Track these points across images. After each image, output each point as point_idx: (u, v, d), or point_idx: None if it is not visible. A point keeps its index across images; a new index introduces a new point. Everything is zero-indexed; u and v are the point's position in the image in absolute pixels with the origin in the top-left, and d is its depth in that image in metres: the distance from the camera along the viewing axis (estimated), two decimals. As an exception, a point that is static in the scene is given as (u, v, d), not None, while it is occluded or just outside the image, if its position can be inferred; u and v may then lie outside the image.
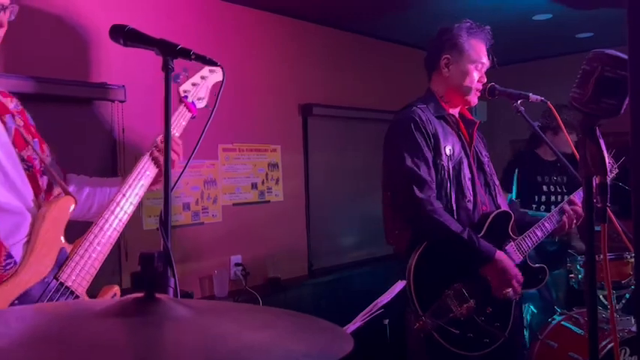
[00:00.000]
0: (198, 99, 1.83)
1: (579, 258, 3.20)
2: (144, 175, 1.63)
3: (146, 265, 0.71)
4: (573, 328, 3.00)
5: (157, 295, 0.70)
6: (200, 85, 1.85)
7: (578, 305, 3.22)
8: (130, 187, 1.59)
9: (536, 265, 2.44)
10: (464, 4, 3.87)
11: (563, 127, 2.41)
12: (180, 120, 1.76)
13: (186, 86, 1.80)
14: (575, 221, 2.44)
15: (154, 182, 1.69)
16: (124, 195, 1.57)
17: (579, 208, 2.43)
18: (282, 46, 4.03)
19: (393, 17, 4.20)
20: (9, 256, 1.39)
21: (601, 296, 3.01)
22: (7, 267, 1.38)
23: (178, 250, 3.28)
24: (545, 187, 3.70)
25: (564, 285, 3.59)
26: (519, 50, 5.15)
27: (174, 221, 3.32)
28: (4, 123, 1.53)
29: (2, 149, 1.48)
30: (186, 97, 1.77)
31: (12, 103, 1.61)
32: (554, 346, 2.97)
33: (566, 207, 2.45)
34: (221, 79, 1.89)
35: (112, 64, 3.05)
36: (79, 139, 2.94)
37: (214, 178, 3.58)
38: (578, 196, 2.49)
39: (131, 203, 1.58)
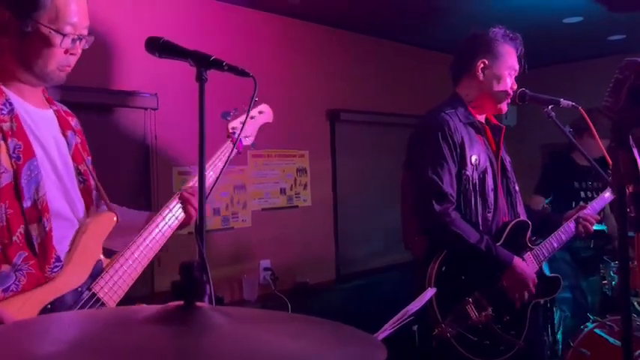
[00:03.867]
0: (245, 137, 1.93)
1: (612, 264, 3.15)
2: (177, 208, 1.69)
3: (186, 274, 0.73)
4: (606, 336, 2.95)
5: (197, 304, 0.72)
6: (249, 123, 1.93)
7: (612, 312, 3.16)
8: (166, 211, 1.65)
9: (552, 274, 2.46)
10: (493, 9, 3.85)
11: (594, 131, 2.37)
12: (225, 154, 1.81)
13: (234, 124, 1.87)
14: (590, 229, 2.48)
15: (181, 226, 1.74)
16: (163, 217, 1.63)
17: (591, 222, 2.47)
18: (309, 53, 4.06)
19: (421, 22, 4.20)
20: (58, 259, 1.45)
21: (635, 303, 2.95)
22: (55, 269, 1.44)
23: (209, 255, 3.32)
24: (582, 193, 3.65)
25: (599, 291, 3.53)
26: (550, 53, 5.10)
27: (205, 224, 3.36)
28: (66, 137, 1.61)
29: (62, 160, 1.55)
30: (234, 133, 1.85)
31: (73, 122, 1.71)
32: (586, 354, 2.91)
33: (581, 215, 2.48)
34: (270, 120, 2.02)
35: (145, 72, 3.13)
36: (112, 146, 3.02)
37: (244, 184, 3.63)
38: (591, 209, 2.52)
39: (169, 227, 1.66)
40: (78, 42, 1.54)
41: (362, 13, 3.93)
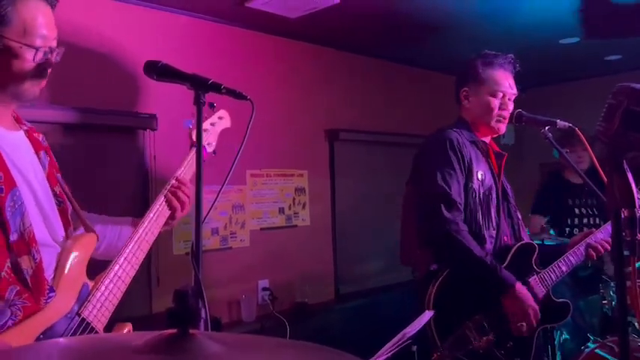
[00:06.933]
0: (208, 144, 1.89)
1: (612, 284, 3.14)
2: (159, 214, 1.69)
3: (180, 302, 0.73)
4: (607, 356, 2.92)
5: (191, 331, 0.72)
6: (209, 131, 1.91)
7: (612, 332, 3.13)
8: (145, 225, 1.64)
9: (560, 300, 2.40)
10: (492, 30, 3.88)
11: (588, 147, 2.37)
12: (191, 164, 1.81)
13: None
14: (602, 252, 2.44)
15: (166, 223, 1.75)
16: (139, 234, 1.61)
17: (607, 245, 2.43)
18: (308, 73, 4.09)
19: (420, 43, 4.24)
20: (51, 289, 1.42)
21: (635, 324, 2.93)
22: (49, 300, 1.41)
23: (206, 275, 3.32)
24: (577, 210, 3.67)
25: (598, 311, 3.51)
26: (547, 74, 5.14)
27: (202, 246, 3.35)
28: (40, 159, 1.55)
29: (40, 186, 1.51)
30: None
31: (40, 138, 1.64)
32: (588, 376, 2.88)
33: (592, 242, 2.44)
34: (229, 125, 1.97)
35: (144, 93, 3.15)
36: (111, 166, 3.03)
37: (242, 203, 3.63)
38: (604, 232, 2.48)
39: (147, 242, 1.63)
40: (49, 55, 1.48)
41: (362, 33, 3.97)
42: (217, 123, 1.94)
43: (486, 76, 2.40)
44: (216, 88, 1.44)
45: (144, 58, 1.55)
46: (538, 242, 3.16)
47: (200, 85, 1.44)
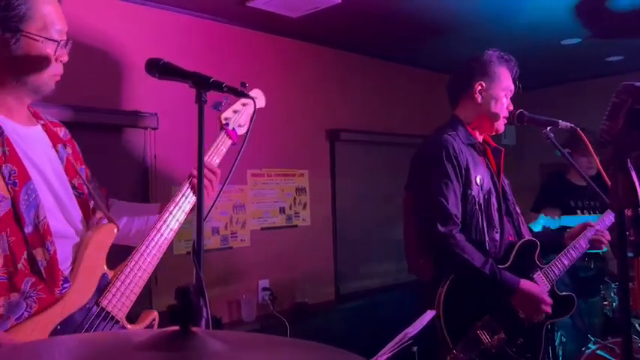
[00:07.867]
0: (239, 126, 1.84)
1: (613, 285, 3.13)
2: (184, 202, 1.67)
3: (182, 299, 0.73)
4: (609, 357, 2.91)
5: (193, 329, 0.72)
6: (241, 112, 1.85)
7: (613, 334, 3.13)
8: (169, 213, 1.63)
9: (564, 293, 2.41)
10: (493, 31, 3.88)
11: (592, 150, 2.37)
12: (220, 147, 1.77)
13: (227, 114, 1.80)
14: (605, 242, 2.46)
15: (193, 209, 1.73)
16: (163, 221, 1.61)
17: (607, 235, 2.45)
18: (309, 73, 4.09)
19: (421, 43, 4.23)
20: (65, 280, 1.44)
21: (636, 325, 2.92)
22: (63, 290, 1.43)
23: (207, 275, 3.31)
24: (579, 212, 3.67)
25: (599, 312, 3.50)
26: (549, 74, 5.14)
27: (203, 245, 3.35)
28: (57, 152, 1.59)
29: (57, 178, 1.53)
30: (227, 124, 1.79)
31: (61, 132, 1.68)
32: (589, 376, 2.88)
33: (592, 236, 2.45)
34: (263, 105, 1.93)
35: (145, 92, 3.14)
36: (112, 165, 3.02)
37: (243, 203, 3.62)
38: (601, 224, 2.50)
39: (171, 229, 1.62)
40: (65, 47, 1.53)
41: (363, 33, 3.96)
42: (250, 103, 1.85)
43: (500, 73, 2.38)
44: (217, 86, 1.44)
45: (145, 56, 1.55)
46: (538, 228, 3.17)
47: (202, 84, 1.43)
